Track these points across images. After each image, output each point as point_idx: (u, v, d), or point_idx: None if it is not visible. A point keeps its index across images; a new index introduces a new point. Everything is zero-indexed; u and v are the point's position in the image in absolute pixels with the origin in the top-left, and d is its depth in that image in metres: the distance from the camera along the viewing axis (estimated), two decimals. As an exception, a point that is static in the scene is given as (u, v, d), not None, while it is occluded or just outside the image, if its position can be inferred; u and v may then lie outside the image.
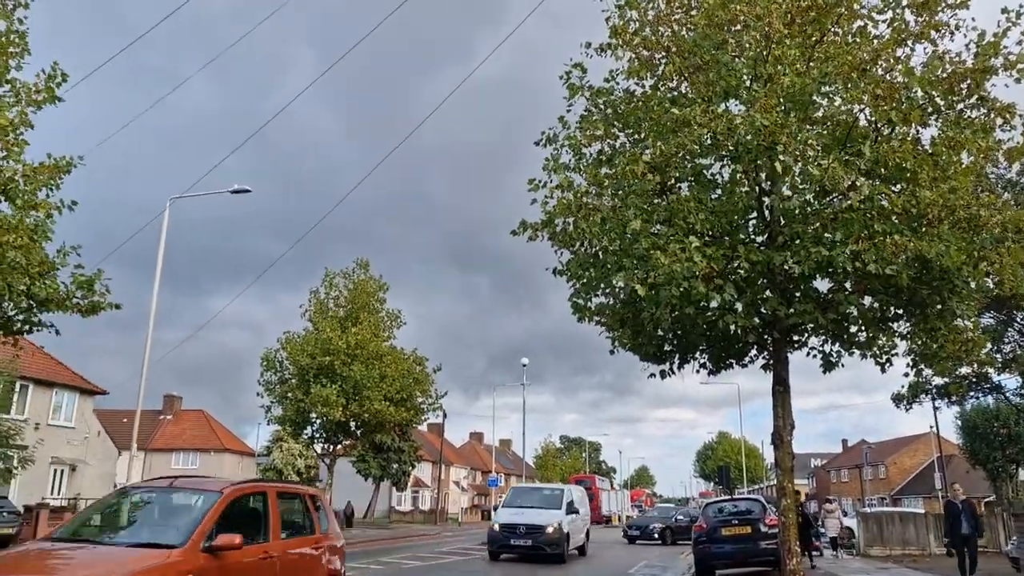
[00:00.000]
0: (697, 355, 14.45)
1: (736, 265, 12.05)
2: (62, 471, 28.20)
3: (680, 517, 25.93)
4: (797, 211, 12.29)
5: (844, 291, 12.01)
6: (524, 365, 33.42)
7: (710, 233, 12.26)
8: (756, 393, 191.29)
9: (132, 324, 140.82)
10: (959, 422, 48.02)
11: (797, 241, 11.86)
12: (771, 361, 13.78)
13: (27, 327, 14.38)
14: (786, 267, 11.83)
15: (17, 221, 12.34)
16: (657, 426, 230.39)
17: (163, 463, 58.36)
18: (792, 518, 12.25)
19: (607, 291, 13.18)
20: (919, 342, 14.35)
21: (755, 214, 13.06)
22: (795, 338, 13.68)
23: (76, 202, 14.01)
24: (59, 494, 27.49)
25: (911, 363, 14.19)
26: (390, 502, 62.09)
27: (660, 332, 13.52)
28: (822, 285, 12.86)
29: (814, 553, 17.98)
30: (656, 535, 27.17)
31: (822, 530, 23.06)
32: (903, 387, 24.02)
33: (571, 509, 19.63)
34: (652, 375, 14.36)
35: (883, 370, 18.30)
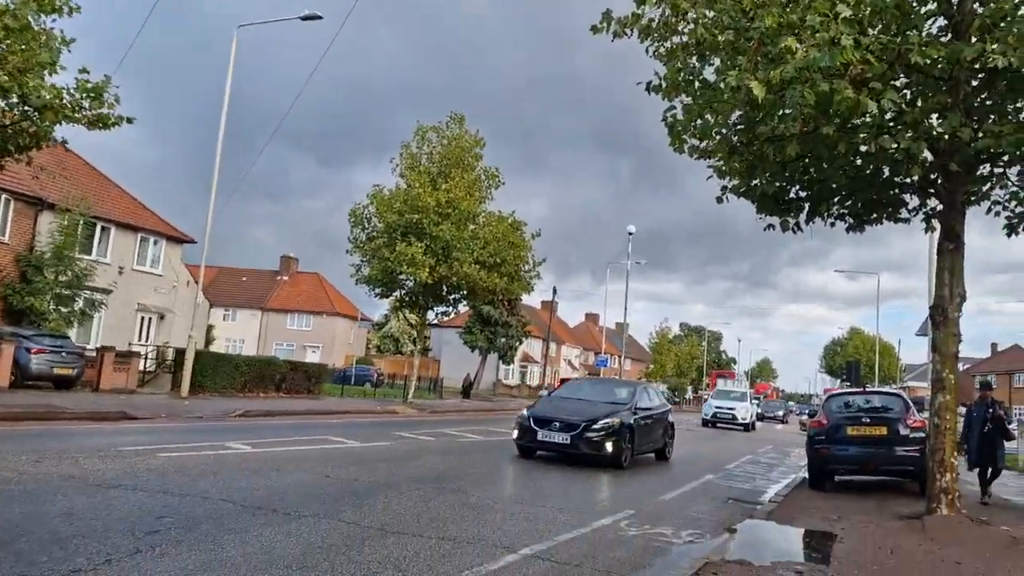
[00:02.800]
0: (835, 203, 10.93)
1: (906, 63, 8.41)
2: (149, 319, 27.93)
3: (644, 406, 13.43)
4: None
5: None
6: (630, 234, 30.15)
7: (868, 23, 8.62)
8: (899, 292, 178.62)
9: (280, 194, 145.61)
10: None
11: (1002, 26, 8.05)
12: (938, 208, 10.12)
13: (33, 142, 12.64)
14: (983, 62, 8.09)
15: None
16: (787, 321, 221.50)
17: (278, 323, 59.88)
18: (951, 421, 8.95)
19: (716, 108, 9.72)
20: None
21: (934, 5, 9.18)
22: (973, 189, 9.90)
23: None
24: (146, 341, 27.29)
25: None
26: (497, 375, 61.60)
27: (784, 166, 10.07)
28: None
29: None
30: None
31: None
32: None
33: None
34: (770, 227, 11.01)
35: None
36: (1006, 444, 11.45)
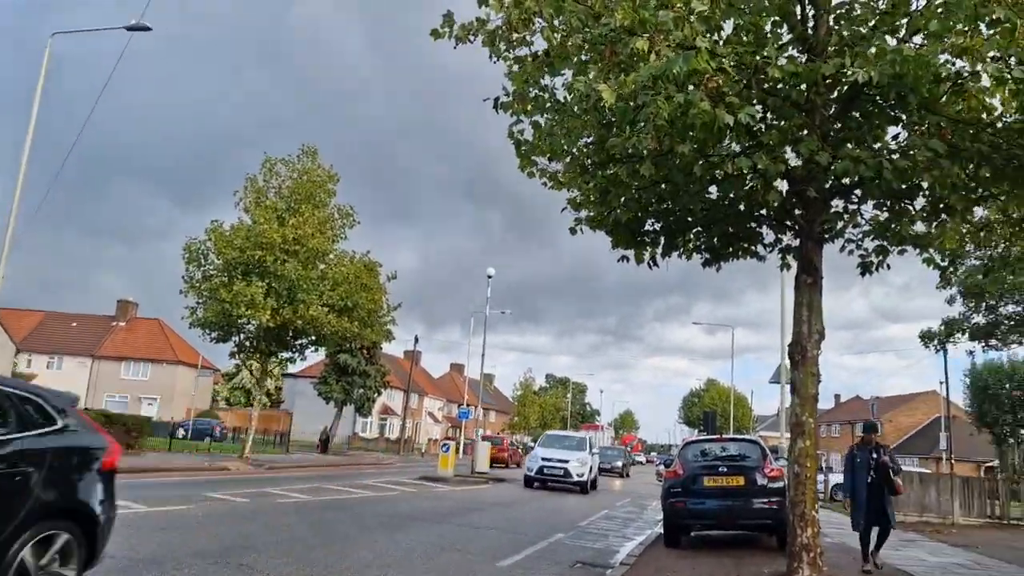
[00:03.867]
0: (691, 237, 10.24)
1: (763, 82, 7.91)
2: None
3: None
4: (858, 8, 8.05)
5: (926, 131, 7.81)
6: (489, 277, 29.14)
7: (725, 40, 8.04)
8: (752, 347, 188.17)
9: (134, 237, 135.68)
10: (967, 380, 44.45)
11: (858, 47, 7.58)
12: (795, 244, 9.62)
13: None
14: (842, 79, 7.65)
15: None
16: (649, 373, 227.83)
17: (111, 372, 54.82)
18: (811, 470, 8.20)
19: (566, 124, 8.85)
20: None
21: (789, 33, 8.75)
22: (827, 226, 9.42)
23: None
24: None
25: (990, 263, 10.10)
26: (354, 428, 58.68)
27: (639, 195, 9.31)
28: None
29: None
30: None
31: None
32: (938, 325, 19.84)
33: None
34: (624, 259, 10.15)
35: (943, 276, 13.95)
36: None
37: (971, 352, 22.93)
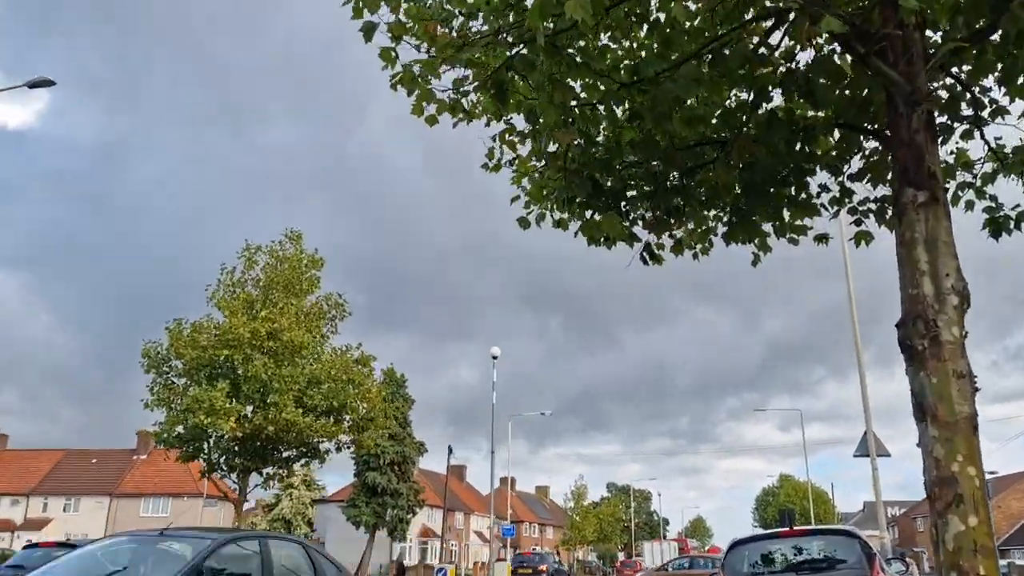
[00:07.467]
0: (699, 193, 6.15)
1: None
2: None
3: None
4: None
5: None
6: (494, 357, 24.93)
7: None
8: (830, 441, 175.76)
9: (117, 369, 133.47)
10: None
11: None
12: (889, 144, 5.38)
13: None
14: None
15: None
16: (723, 477, 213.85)
17: (130, 510, 51.09)
18: (990, 568, 3.77)
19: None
20: None
21: None
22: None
23: None
24: None
25: None
26: (390, 554, 53.33)
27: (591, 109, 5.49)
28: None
29: None
30: None
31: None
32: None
33: None
34: (603, 241, 6.07)
35: None
36: None
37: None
